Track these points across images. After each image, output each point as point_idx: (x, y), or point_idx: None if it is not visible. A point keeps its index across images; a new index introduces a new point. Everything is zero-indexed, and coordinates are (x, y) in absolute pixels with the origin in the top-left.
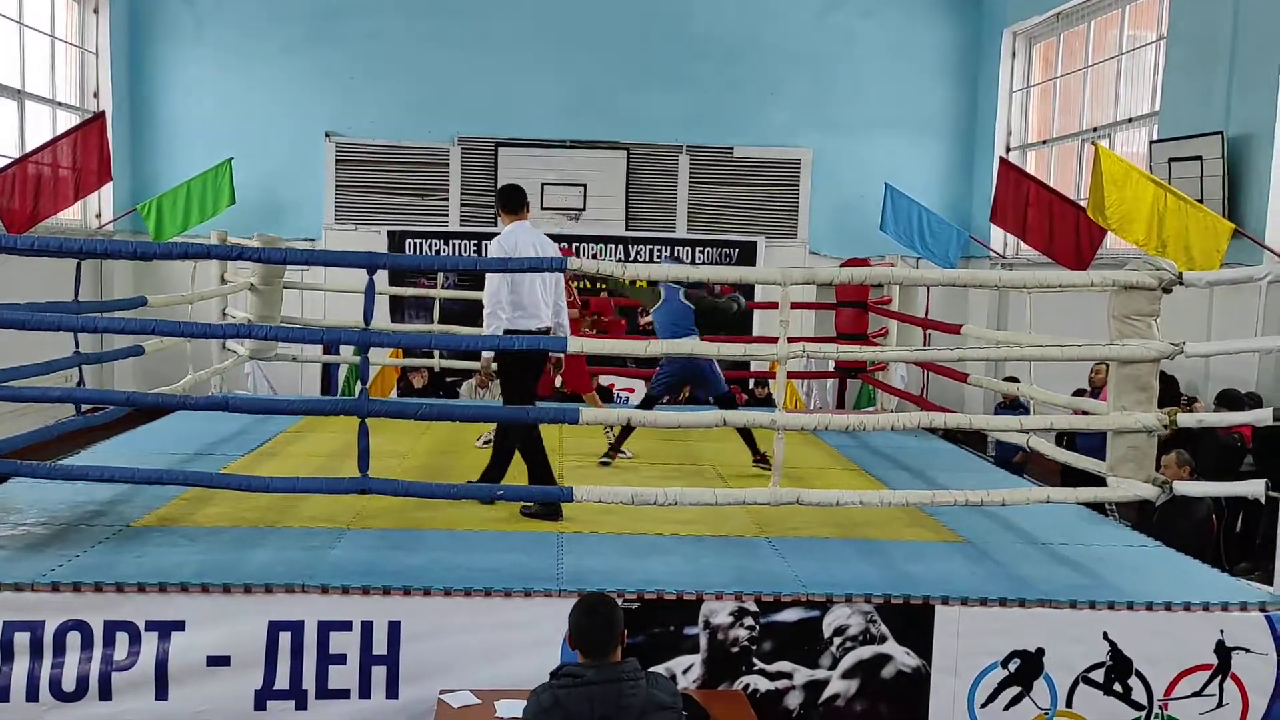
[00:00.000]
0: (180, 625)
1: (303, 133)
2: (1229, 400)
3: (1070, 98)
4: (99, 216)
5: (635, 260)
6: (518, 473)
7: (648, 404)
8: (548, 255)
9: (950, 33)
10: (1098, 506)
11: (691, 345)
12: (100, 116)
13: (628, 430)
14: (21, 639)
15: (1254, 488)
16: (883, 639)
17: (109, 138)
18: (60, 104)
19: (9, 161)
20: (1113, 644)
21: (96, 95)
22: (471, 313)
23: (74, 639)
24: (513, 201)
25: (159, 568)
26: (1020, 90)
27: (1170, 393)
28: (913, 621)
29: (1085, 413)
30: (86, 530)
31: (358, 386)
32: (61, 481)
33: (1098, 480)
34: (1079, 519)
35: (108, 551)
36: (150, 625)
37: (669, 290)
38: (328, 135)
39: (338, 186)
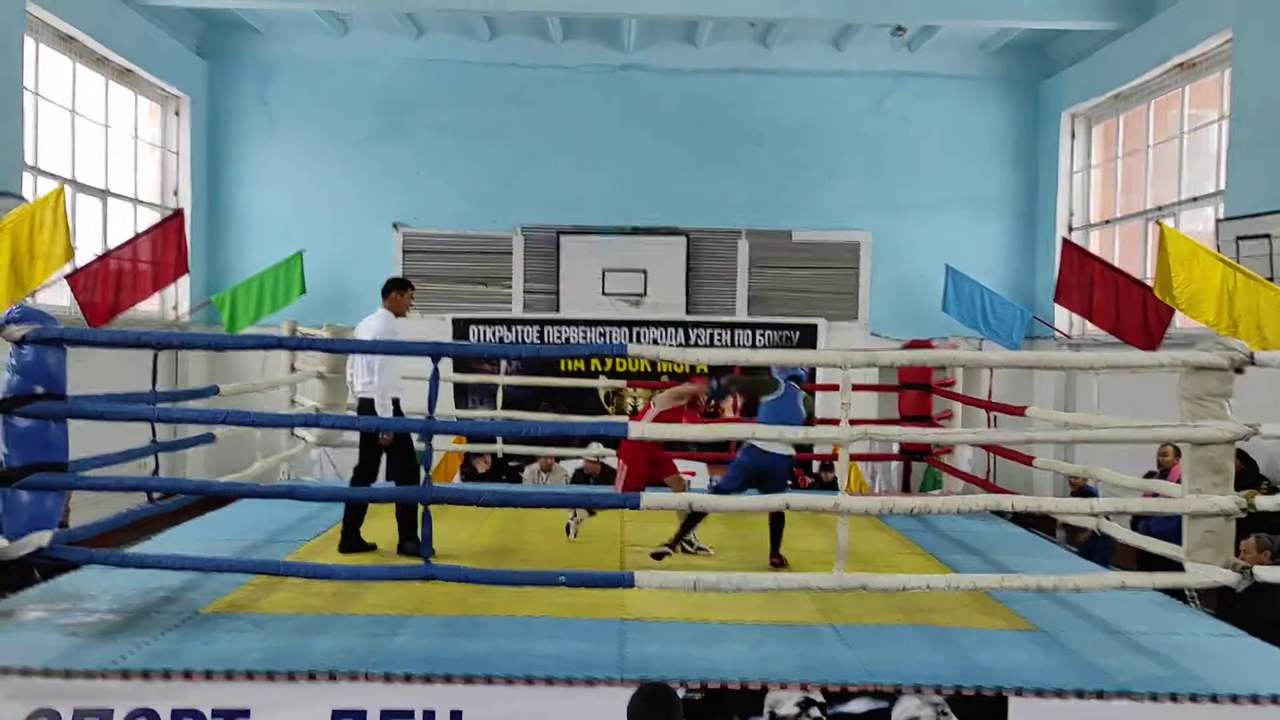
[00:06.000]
0: (245, 713)
1: (371, 224)
2: None
3: (1133, 177)
4: (175, 308)
5: (695, 344)
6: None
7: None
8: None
9: (1007, 115)
10: (1177, 593)
11: (739, 428)
12: (179, 214)
13: (693, 520)
14: None
15: None
16: None
17: (187, 233)
18: (141, 201)
19: (92, 258)
20: None
21: (176, 193)
22: (535, 398)
23: None
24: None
25: (226, 655)
26: (1081, 171)
27: (1251, 475)
28: (986, 713)
29: (1157, 495)
30: (157, 617)
31: (422, 473)
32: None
33: (1175, 565)
34: (1157, 606)
35: (177, 639)
36: (216, 713)
37: (787, 383)
38: (395, 226)
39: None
